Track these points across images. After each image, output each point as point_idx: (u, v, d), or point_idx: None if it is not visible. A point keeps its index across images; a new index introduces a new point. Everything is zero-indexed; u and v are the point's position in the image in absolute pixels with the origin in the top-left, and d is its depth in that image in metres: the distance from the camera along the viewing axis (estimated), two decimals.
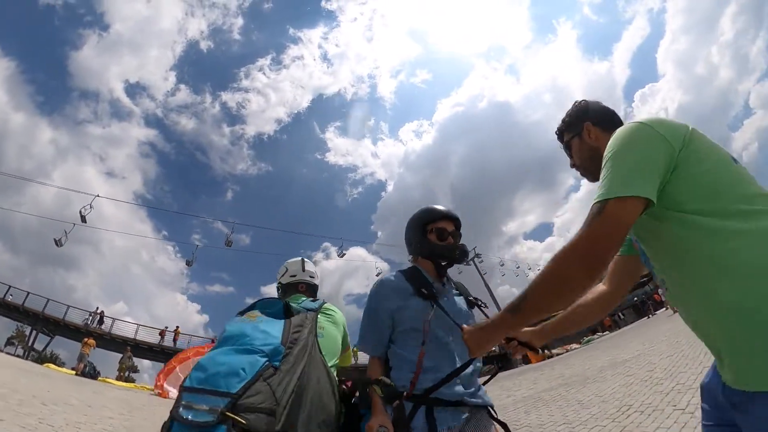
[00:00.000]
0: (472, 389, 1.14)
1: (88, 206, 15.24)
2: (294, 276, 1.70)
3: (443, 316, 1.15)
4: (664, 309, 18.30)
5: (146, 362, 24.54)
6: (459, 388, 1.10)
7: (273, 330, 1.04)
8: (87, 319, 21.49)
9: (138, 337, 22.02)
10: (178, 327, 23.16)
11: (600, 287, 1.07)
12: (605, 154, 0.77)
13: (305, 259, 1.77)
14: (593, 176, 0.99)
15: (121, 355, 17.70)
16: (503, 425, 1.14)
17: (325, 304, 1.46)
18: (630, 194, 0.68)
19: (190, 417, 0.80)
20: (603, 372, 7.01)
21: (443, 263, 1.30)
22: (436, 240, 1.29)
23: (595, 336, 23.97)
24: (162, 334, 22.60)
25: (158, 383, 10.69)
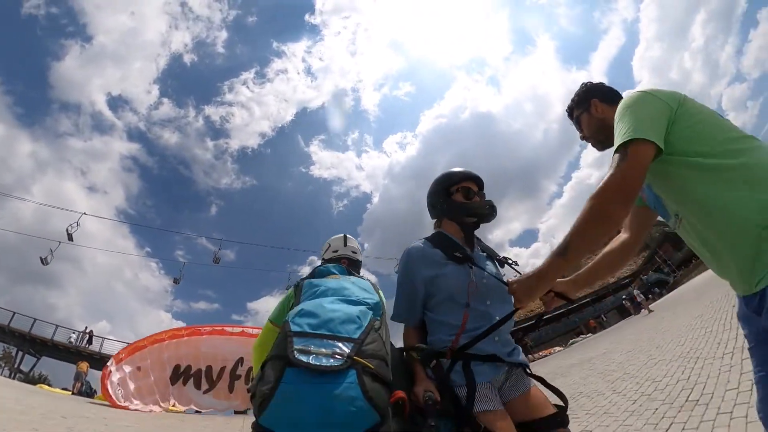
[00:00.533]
0: (509, 348, 1.14)
1: (75, 224, 14.41)
2: (336, 251, 1.69)
3: (481, 278, 1.16)
4: (642, 309, 19.33)
5: None
6: (496, 345, 1.11)
7: (368, 287, 1.07)
8: (71, 338, 20.90)
9: None
10: None
11: (622, 236, 1.19)
12: (616, 116, 0.93)
13: (347, 235, 1.76)
14: (602, 145, 1.17)
15: None
16: (541, 380, 1.16)
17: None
18: (644, 137, 0.84)
19: (311, 360, 0.73)
20: (571, 369, 7.79)
21: (471, 223, 1.27)
22: (462, 199, 1.26)
23: (579, 338, 24.93)
24: None
25: (119, 356, 8.96)
